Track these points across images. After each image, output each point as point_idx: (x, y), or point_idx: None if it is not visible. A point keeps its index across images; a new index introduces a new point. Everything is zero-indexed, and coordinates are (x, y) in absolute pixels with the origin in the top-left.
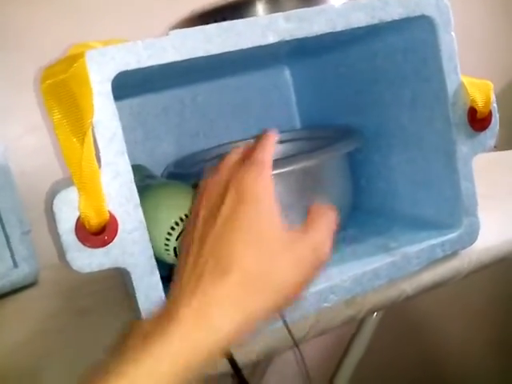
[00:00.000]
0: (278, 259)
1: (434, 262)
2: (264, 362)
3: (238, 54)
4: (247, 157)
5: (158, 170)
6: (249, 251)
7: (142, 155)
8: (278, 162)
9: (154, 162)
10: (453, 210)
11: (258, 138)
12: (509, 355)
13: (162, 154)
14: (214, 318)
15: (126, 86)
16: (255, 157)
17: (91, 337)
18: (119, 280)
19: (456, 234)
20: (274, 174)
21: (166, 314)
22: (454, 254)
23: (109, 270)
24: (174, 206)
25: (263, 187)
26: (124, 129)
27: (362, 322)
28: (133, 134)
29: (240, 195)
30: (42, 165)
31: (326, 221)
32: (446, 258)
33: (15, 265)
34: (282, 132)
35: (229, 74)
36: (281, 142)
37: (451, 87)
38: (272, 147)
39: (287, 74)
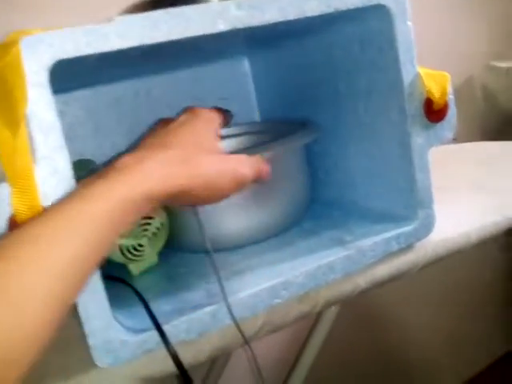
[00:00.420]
0: (207, 156)
1: (390, 254)
2: (220, 363)
3: (191, 43)
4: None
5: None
6: (189, 144)
7: (91, 149)
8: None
9: (104, 156)
10: (408, 202)
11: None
12: (464, 344)
13: (113, 148)
14: (149, 167)
15: (75, 76)
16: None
17: None
18: None
19: (411, 226)
20: None
21: (110, 167)
22: (410, 246)
23: None
24: None
25: (214, 126)
26: (74, 122)
27: (317, 319)
28: (83, 127)
29: (194, 115)
30: None
31: (251, 159)
32: (402, 250)
33: None
34: (239, 125)
35: (186, 65)
36: (238, 134)
37: (407, 78)
38: (220, 117)
39: (246, 65)
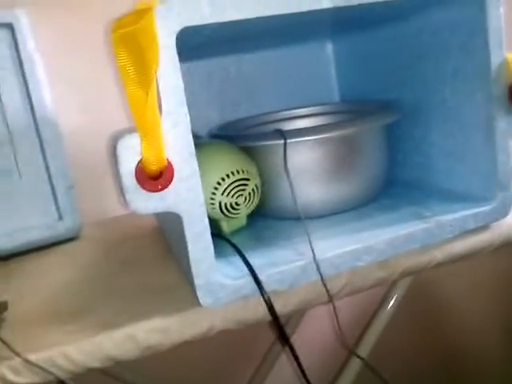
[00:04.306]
0: None
1: (467, 232)
2: (297, 316)
3: (285, 24)
4: None
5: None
6: None
7: None
8: (321, 128)
9: (197, 127)
10: (487, 184)
11: None
12: None
13: (205, 119)
14: None
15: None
16: None
17: (132, 284)
18: (159, 235)
19: (489, 206)
20: (316, 140)
21: None
22: (486, 226)
23: (150, 226)
24: (222, 161)
25: None
26: None
27: (386, 298)
28: None
29: None
30: (88, 123)
31: None
32: (478, 229)
33: (60, 217)
34: (321, 105)
35: (272, 45)
36: (319, 114)
37: (495, 62)
38: None
39: (329, 48)
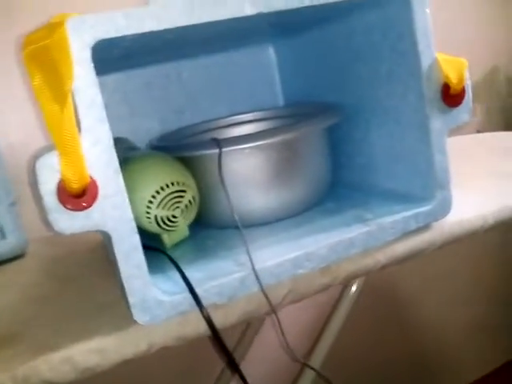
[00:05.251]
0: None
1: (408, 233)
2: (249, 332)
3: (221, 29)
4: None
5: (141, 145)
6: None
7: (125, 131)
8: (258, 135)
9: (137, 138)
10: (426, 183)
11: None
12: (488, 334)
13: (146, 130)
14: None
15: (110, 60)
16: None
17: (72, 303)
18: (105, 252)
19: (429, 206)
20: (255, 147)
21: None
22: (427, 226)
23: (96, 241)
24: (157, 173)
25: None
26: (108, 104)
27: (340, 298)
28: (117, 109)
29: None
30: (27, 137)
31: None
32: (420, 229)
33: (3, 236)
34: (264, 110)
35: (214, 51)
36: (263, 119)
37: (425, 63)
38: None
39: (271, 52)
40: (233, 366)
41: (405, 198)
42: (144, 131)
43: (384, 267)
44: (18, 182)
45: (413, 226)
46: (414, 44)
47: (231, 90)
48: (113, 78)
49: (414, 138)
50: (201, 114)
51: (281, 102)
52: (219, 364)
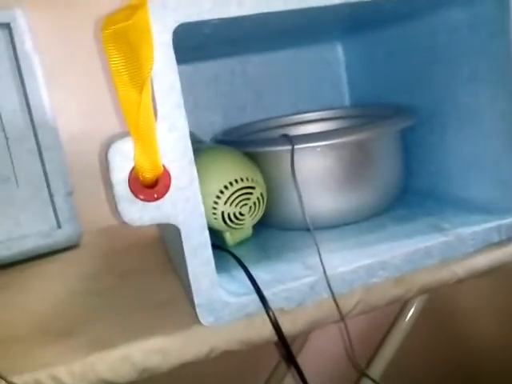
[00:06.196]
0: None
1: (489, 245)
2: (301, 337)
3: (297, 20)
4: None
5: (204, 138)
6: None
7: (189, 124)
8: (332, 133)
9: (200, 131)
10: (510, 193)
11: None
12: None
13: (209, 124)
14: None
15: (180, 50)
16: None
17: (131, 298)
18: (162, 245)
19: None
20: (327, 146)
21: None
22: (510, 239)
23: (153, 235)
24: (225, 168)
25: None
26: None
27: (400, 315)
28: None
29: None
30: (90, 129)
31: None
32: (502, 242)
33: (58, 225)
34: (331, 109)
35: (280, 47)
36: (329, 119)
37: None
38: None
39: (339, 50)
40: (290, 358)
41: (483, 209)
42: (207, 125)
43: (460, 280)
44: (75, 173)
45: (495, 238)
46: (507, 45)
47: (296, 87)
48: (180, 70)
49: (500, 146)
50: (264, 111)
51: (347, 102)
52: (275, 358)
